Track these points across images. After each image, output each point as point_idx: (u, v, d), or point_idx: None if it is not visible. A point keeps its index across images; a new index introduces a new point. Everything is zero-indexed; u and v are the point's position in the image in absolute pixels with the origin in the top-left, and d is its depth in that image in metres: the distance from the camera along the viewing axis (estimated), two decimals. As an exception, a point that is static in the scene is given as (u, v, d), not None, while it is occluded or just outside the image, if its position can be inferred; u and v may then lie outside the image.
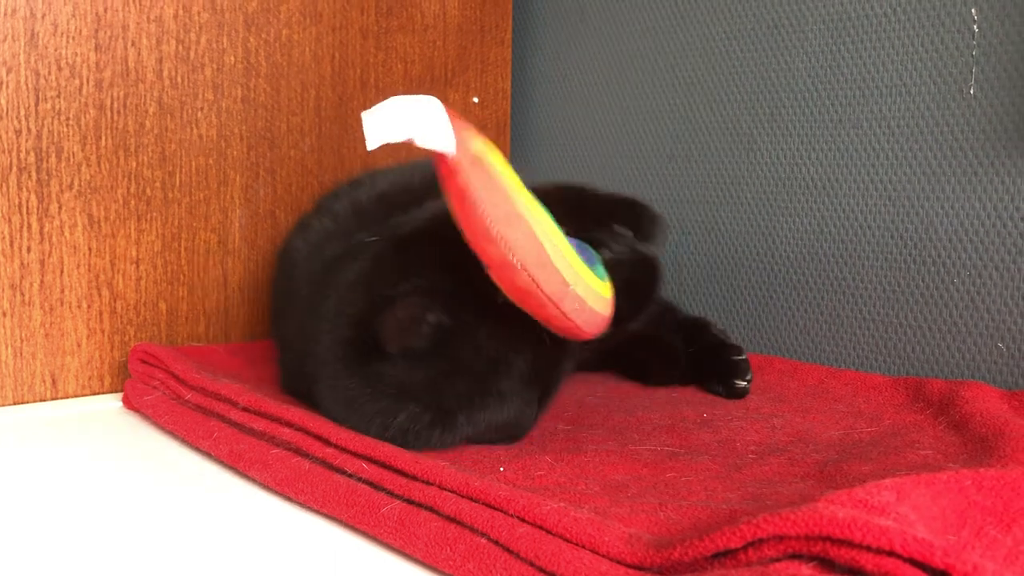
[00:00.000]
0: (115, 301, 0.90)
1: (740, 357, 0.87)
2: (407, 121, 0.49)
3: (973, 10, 0.84)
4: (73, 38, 0.86)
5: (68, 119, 0.86)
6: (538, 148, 1.26)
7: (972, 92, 0.84)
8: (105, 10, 0.88)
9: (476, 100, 1.18)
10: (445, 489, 0.54)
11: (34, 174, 0.85)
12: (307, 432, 0.65)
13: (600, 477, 0.61)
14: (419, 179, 0.82)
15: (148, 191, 0.92)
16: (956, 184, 0.86)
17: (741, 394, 0.84)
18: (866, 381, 0.85)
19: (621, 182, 1.15)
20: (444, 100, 1.12)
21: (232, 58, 0.96)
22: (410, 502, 0.54)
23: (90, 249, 0.88)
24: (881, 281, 0.91)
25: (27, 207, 0.85)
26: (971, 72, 0.84)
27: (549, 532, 0.48)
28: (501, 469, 0.62)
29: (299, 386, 0.74)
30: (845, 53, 0.93)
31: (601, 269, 0.63)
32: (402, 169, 0.88)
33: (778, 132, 0.99)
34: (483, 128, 1.20)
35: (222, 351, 0.92)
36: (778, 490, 0.57)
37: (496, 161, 0.54)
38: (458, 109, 1.16)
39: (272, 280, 0.93)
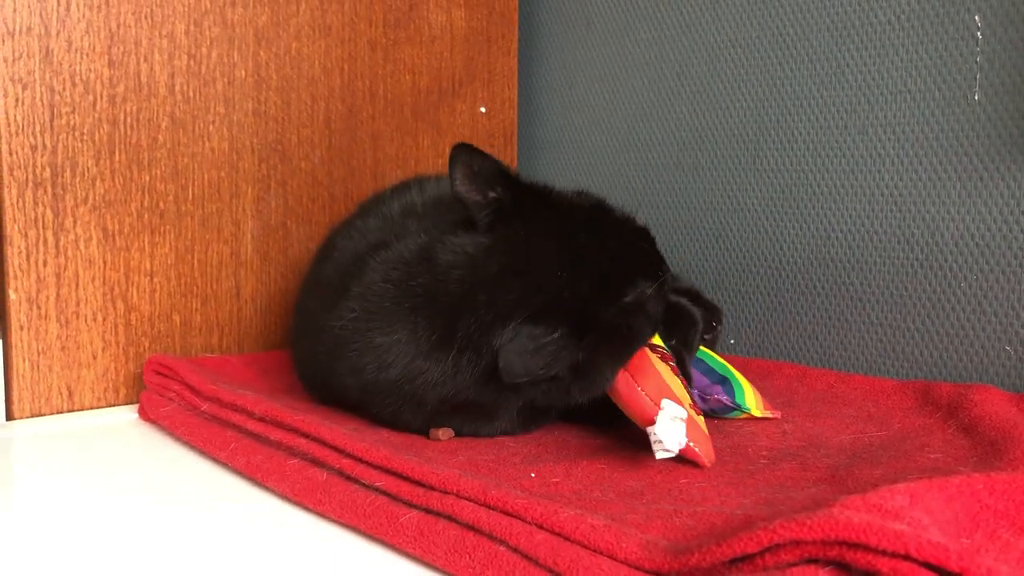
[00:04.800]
0: (130, 313, 0.91)
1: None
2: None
3: (976, 17, 0.85)
4: (87, 54, 0.87)
5: (83, 134, 0.87)
6: (545, 157, 1.27)
7: (977, 98, 0.85)
8: (118, 27, 0.89)
9: (483, 110, 1.19)
10: (463, 498, 0.54)
11: (50, 189, 0.86)
12: (323, 443, 0.65)
13: (615, 484, 0.62)
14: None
15: (161, 204, 0.93)
16: (962, 189, 0.87)
17: None
18: (875, 385, 0.86)
19: (628, 190, 1.16)
20: (451, 110, 1.15)
21: (243, 72, 0.97)
22: (428, 511, 0.55)
23: (105, 262, 0.89)
24: (888, 286, 0.92)
25: (43, 221, 0.86)
26: (975, 78, 0.85)
27: (567, 539, 0.49)
28: (532, 475, 0.63)
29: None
30: (850, 61, 0.94)
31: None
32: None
33: (784, 139, 1.00)
34: (490, 137, 1.21)
35: (236, 361, 0.93)
36: (791, 495, 0.58)
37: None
38: (465, 119, 1.18)
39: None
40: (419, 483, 0.57)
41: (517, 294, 0.66)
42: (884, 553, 0.39)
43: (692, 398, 0.71)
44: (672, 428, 0.63)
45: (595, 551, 0.48)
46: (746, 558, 0.43)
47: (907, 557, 0.39)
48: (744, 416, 0.78)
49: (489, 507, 0.53)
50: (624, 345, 0.67)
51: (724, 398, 0.77)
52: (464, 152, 0.69)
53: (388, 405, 0.72)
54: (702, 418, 0.69)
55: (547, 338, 0.64)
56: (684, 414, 0.65)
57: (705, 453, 0.66)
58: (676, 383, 0.69)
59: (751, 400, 0.78)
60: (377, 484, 0.59)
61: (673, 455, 0.63)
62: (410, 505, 0.56)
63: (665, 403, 0.65)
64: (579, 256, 0.68)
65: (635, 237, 0.72)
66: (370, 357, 0.70)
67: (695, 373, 0.79)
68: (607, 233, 0.70)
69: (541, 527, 0.50)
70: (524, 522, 0.51)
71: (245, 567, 0.53)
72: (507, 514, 0.52)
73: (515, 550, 0.49)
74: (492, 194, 0.70)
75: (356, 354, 0.71)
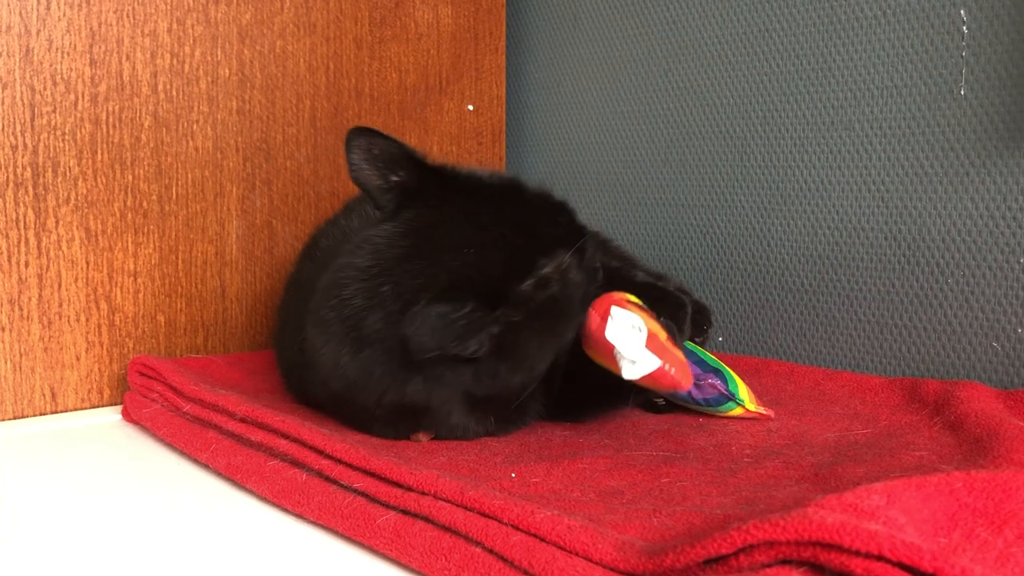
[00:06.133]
0: (113, 314, 0.91)
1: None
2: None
3: (962, 11, 0.84)
4: (68, 53, 0.87)
5: (64, 134, 0.87)
6: (533, 154, 1.27)
7: (963, 93, 0.85)
8: (99, 25, 0.88)
9: (471, 108, 1.19)
10: (440, 499, 0.54)
11: (31, 189, 0.85)
12: (303, 443, 0.65)
13: (595, 484, 0.61)
14: None
15: (145, 204, 0.92)
16: (948, 185, 0.86)
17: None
18: (862, 383, 0.85)
19: (615, 187, 1.16)
20: (438, 108, 1.14)
21: (227, 70, 0.97)
22: (406, 512, 0.55)
23: (88, 263, 0.89)
24: (876, 282, 0.92)
25: (24, 222, 0.85)
26: (961, 73, 0.85)
27: (543, 540, 0.48)
28: (512, 475, 0.63)
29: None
30: (836, 56, 0.94)
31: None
32: None
33: (771, 135, 1.00)
34: (478, 135, 1.20)
35: (220, 362, 0.92)
36: (772, 494, 0.58)
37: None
38: (453, 116, 1.17)
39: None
40: (397, 484, 0.57)
41: (422, 278, 0.63)
42: (858, 553, 0.39)
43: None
44: (627, 333, 0.62)
45: (571, 552, 0.47)
46: (720, 559, 0.42)
47: (880, 557, 0.38)
48: (737, 411, 0.77)
49: (466, 508, 0.52)
50: (547, 316, 0.65)
51: (719, 384, 0.77)
52: (361, 135, 0.66)
53: (355, 416, 0.71)
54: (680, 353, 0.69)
55: (456, 314, 0.60)
56: (641, 324, 0.63)
57: (682, 376, 0.65)
58: (655, 325, 0.68)
59: (745, 394, 0.78)
60: (356, 485, 0.59)
61: (637, 364, 0.62)
62: (388, 506, 0.56)
63: (615, 311, 0.63)
64: (486, 233, 0.65)
65: (549, 210, 0.69)
66: (324, 372, 0.69)
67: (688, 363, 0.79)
68: (517, 208, 0.67)
69: (518, 528, 0.50)
70: (501, 523, 0.50)
71: (224, 568, 0.53)
72: (484, 515, 0.51)
73: (491, 551, 0.49)
74: (395, 178, 0.67)
75: (317, 366, 0.70)
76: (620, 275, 0.81)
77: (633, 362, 0.62)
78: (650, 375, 0.65)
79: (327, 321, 0.68)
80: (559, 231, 0.68)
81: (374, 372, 0.65)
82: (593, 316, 0.69)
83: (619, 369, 0.65)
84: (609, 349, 0.66)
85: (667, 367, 0.64)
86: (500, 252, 0.65)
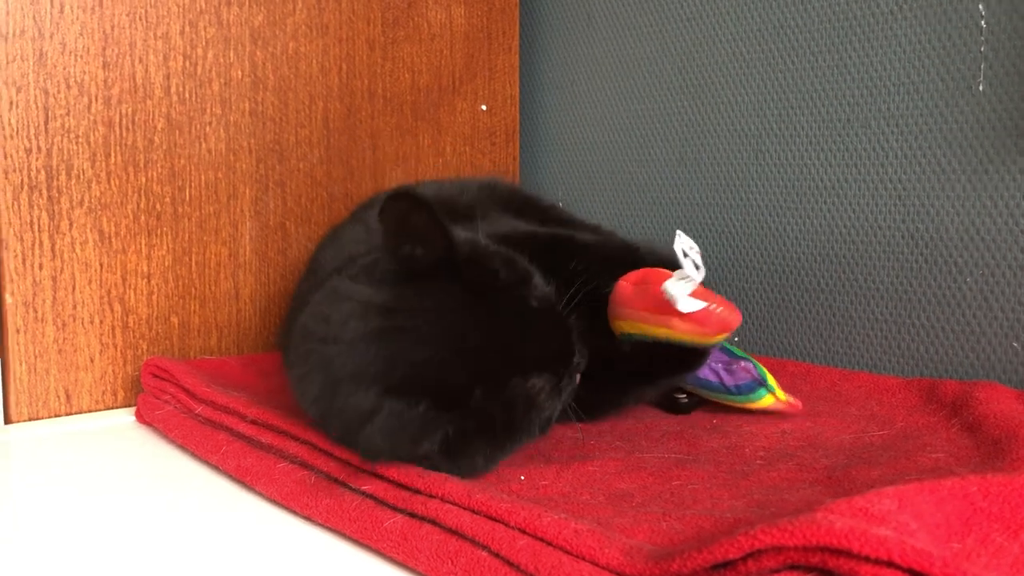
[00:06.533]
0: (127, 316, 0.91)
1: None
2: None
3: (980, 6, 0.83)
4: (81, 57, 0.87)
5: (77, 137, 0.87)
6: (547, 154, 1.26)
7: (981, 89, 0.83)
8: (112, 28, 0.88)
9: (484, 107, 1.18)
10: (447, 502, 0.54)
11: (45, 192, 0.86)
12: (312, 446, 0.65)
13: (605, 486, 0.61)
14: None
15: (158, 206, 0.92)
16: (967, 182, 0.85)
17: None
18: (879, 383, 0.84)
19: (630, 187, 1.15)
20: (452, 109, 1.14)
21: (239, 72, 0.97)
22: (413, 515, 0.54)
23: (101, 265, 0.89)
24: (893, 282, 0.90)
25: (38, 225, 0.85)
26: (979, 68, 0.83)
27: (549, 544, 0.48)
28: (521, 478, 0.62)
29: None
30: (852, 53, 0.93)
31: None
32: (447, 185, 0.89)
33: (786, 133, 0.99)
34: (491, 135, 1.20)
35: (234, 363, 0.92)
36: (784, 497, 0.57)
37: None
38: (466, 117, 1.17)
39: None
40: (404, 487, 0.57)
41: (381, 363, 0.59)
42: (867, 559, 0.38)
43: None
44: (690, 250, 0.64)
45: (577, 556, 0.47)
46: (728, 564, 0.42)
47: (890, 563, 0.37)
48: (767, 400, 0.76)
49: (473, 511, 0.52)
50: (500, 433, 0.61)
51: (751, 367, 0.76)
52: (403, 203, 0.61)
53: None
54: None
55: (409, 413, 0.56)
56: (698, 249, 0.65)
57: (730, 314, 0.66)
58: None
59: (773, 383, 0.77)
60: (363, 488, 0.58)
61: (691, 290, 0.64)
62: (395, 509, 0.56)
63: (679, 232, 0.65)
64: (466, 338, 0.60)
65: (548, 325, 0.65)
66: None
67: (715, 352, 0.78)
68: (514, 316, 0.63)
69: (524, 532, 0.49)
70: (507, 527, 0.50)
71: (231, 570, 0.53)
72: (490, 519, 0.51)
73: (497, 555, 0.49)
74: (408, 249, 0.62)
75: None
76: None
77: (690, 280, 0.63)
78: (697, 316, 0.66)
79: (292, 359, 0.69)
80: (548, 351, 0.64)
81: (324, 423, 0.64)
82: (624, 286, 0.70)
83: (666, 316, 0.66)
84: (656, 296, 0.67)
85: (713, 307, 0.65)
86: (470, 365, 0.60)
